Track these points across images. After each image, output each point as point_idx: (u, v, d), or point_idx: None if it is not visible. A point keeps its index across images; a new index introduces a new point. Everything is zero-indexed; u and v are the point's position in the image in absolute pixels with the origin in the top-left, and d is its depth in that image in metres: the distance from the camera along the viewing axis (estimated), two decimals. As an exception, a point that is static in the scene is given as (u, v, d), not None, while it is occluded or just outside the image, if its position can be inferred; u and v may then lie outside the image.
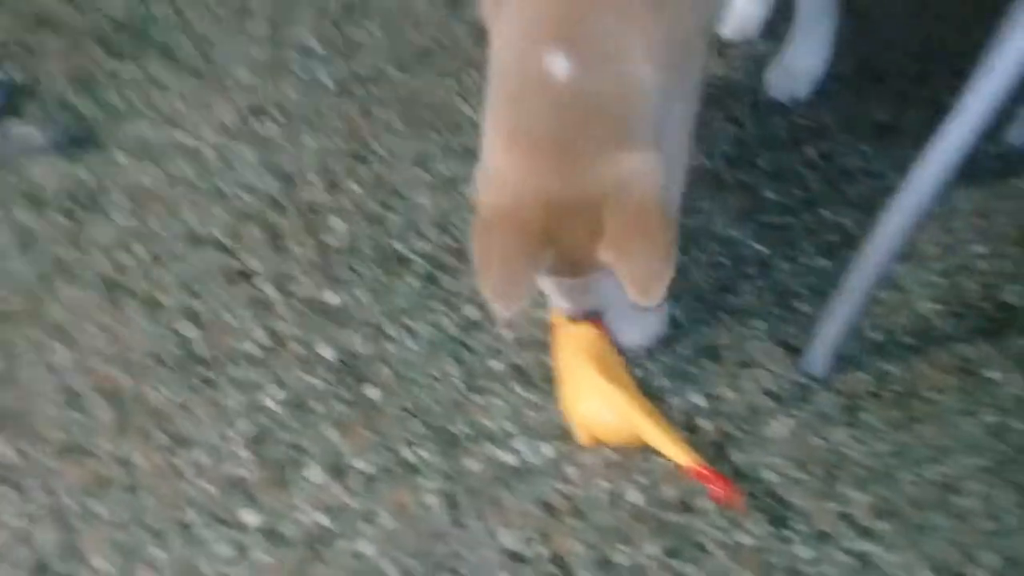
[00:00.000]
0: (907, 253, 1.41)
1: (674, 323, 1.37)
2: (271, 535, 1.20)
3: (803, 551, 1.17)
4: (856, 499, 1.20)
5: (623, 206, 1.02)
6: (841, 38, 1.61)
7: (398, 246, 1.47)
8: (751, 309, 1.39)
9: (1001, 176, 1.52)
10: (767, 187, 1.52)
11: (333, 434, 1.28)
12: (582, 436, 1.25)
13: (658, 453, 1.20)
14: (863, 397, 1.29)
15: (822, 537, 1.17)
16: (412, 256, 1.46)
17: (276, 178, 1.57)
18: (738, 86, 1.64)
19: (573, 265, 1.07)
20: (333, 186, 1.55)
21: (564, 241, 1.04)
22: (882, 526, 1.18)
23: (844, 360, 1.32)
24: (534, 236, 1.03)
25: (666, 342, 1.35)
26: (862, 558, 1.16)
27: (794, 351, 1.34)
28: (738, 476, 1.23)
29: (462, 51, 1.74)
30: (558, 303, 1.24)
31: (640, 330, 1.32)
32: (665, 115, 1.07)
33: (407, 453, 1.27)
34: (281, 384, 1.33)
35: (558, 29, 1.03)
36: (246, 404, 1.31)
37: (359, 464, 1.26)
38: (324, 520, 1.21)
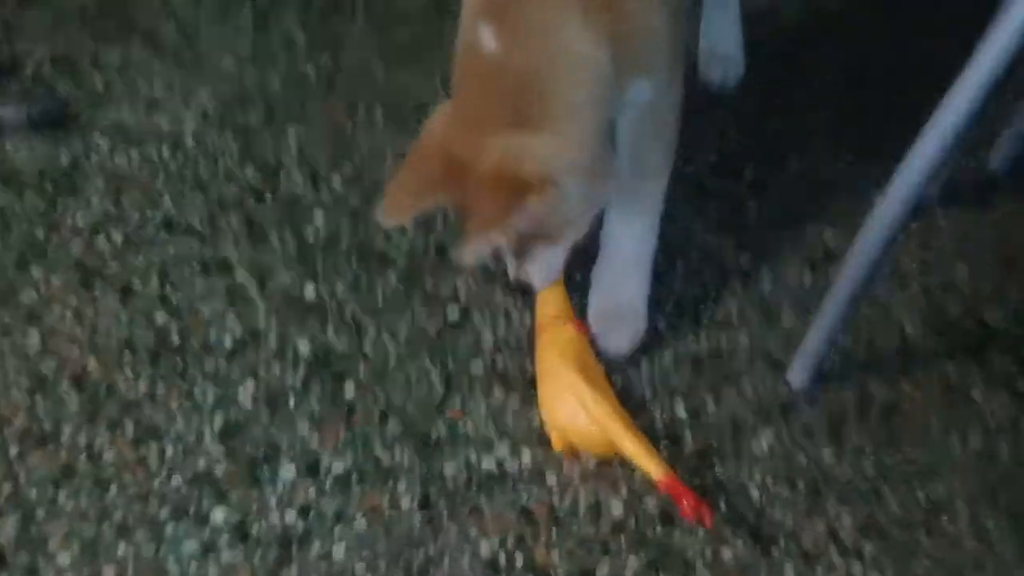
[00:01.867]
0: (889, 271, 1.35)
1: (656, 332, 1.29)
2: (240, 534, 1.10)
3: (788, 570, 1.08)
4: (842, 517, 1.12)
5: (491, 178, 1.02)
6: (826, 54, 1.55)
7: (379, 243, 1.38)
8: (734, 322, 1.31)
9: (983, 200, 1.45)
10: (750, 198, 1.44)
11: (308, 432, 1.18)
12: (557, 441, 1.16)
13: (633, 464, 1.11)
14: (847, 414, 1.22)
15: (808, 557, 1.10)
16: (393, 255, 1.37)
17: (257, 168, 1.46)
18: (722, 94, 1.55)
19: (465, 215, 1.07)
20: (315, 180, 1.45)
21: (454, 192, 1.06)
22: (868, 546, 1.10)
23: (827, 376, 1.24)
24: (432, 175, 1.07)
25: (647, 351, 1.27)
26: (848, 579, 1.08)
27: (777, 365, 1.26)
28: (721, 490, 1.14)
29: (447, 47, 1.65)
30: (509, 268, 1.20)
31: (621, 336, 1.25)
32: (615, 91, 1.07)
33: (383, 454, 1.17)
34: (256, 378, 1.23)
35: (492, 4, 1.04)
36: (219, 397, 1.21)
37: (333, 464, 1.16)
38: (296, 520, 1.11)
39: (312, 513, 1.12)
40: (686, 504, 1.07)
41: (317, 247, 1.37)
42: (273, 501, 1.12)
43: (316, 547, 1.09)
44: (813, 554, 1.10)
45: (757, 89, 1.57)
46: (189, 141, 1.49)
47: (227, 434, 1.18)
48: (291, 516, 1.11)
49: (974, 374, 1.25)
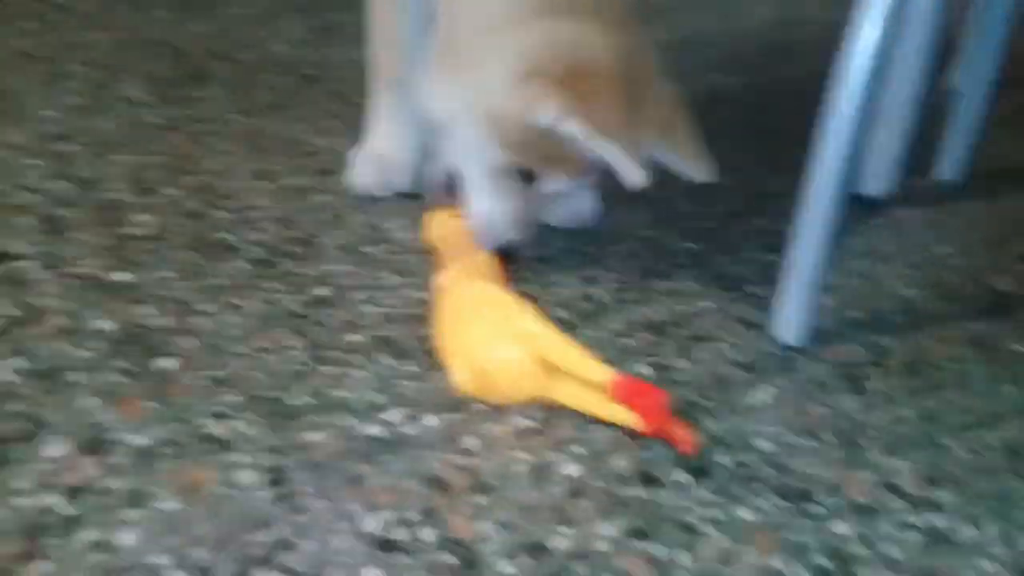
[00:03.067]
0: (868, 250, 1.09)
1: (597, 302, 0.96)
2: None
3: (842, 527, 0.69)
4: (896, 467, 0.76)
5: None
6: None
7: (224, 236, 1.04)
8: (691, 291, 0.99)
9: (938, 202, 1.24)
10: (684, 201, 1.18)
11: (94, 406, 0.76)
12: (462, 375, 0.80)
13: (580, 409, 0.76)
14: (863, 367, 0.89)
15: (862, 509, 0.71)
16: (243, 245, 1.02)
17: (71, 183, 1.12)
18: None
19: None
20: (145, 191, 1.12)
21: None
22: (944, 495, 0.73)
23: (824, 334, 0.92)
24: None
25: (590, 318, 0.93)
26: (932, 533, 0.70)
27: (754, 326, 0.94)
28: (719, 444, 0.77)
29: (319, 104, 1.41)
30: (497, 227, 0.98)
31: (570, 209, 1.07)
32: None
33: (212, 426, 0.75)
34: (28, 355, 0.82)
35: None
36: (-42, 373, 0.79)
37: (131, 438, 0.73)
38: (59, 503, 0.66)
39: (87, 495, 0.68)
40: (647, 411, 0.72)
41: (137, 240, 1.01)
42: (24, 484, 0.68)
43: (86, 535, 0.64)
44: (870, 507, 0.72)
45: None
46: (-16, 163, 1.16)
47: (-37, 410, 0.75)
48: (51, 499, 0.67)
49: (1006, 329, 0.95)
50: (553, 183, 0.97)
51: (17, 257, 0.97)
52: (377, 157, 1.17)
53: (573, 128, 0.88)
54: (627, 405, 0.74)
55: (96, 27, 1.66)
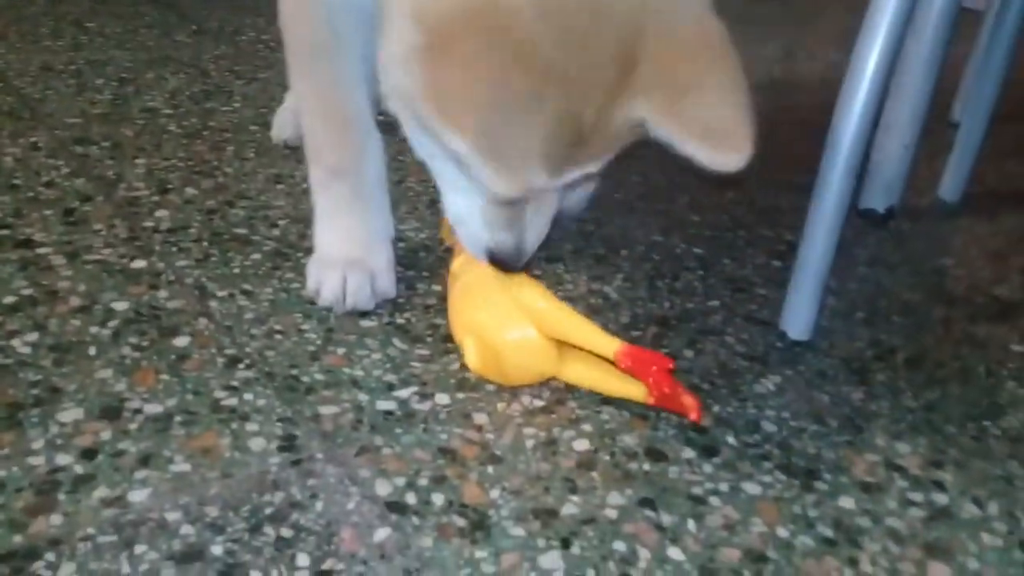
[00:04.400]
0: (872, 258, 1.10)
1: (605, 298, 0.96)
2: (-28, 478, 0.64)
3: (848, 502, 0.69)
4: (900, 450, 0.76)
5: None
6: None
7: (240, 231, 1.04)
8: (699, 291, 1.00)
9: (940, 219, 1.25)
10: (692, 214, 1.19)
11: (109, 377, 0.77)
12: (471, 354, 0.80)
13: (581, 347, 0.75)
14: (867, 360, 0.89)
15: (868, 487, 0.71)
16: (258, 239, 1.03)
17: (90, 180, 1.14)
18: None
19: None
20: (164, 190, 1.13)
21: None
22: (947, 476, 0.73)
23: (829, 332, 0.93)
24: None
25: (599, 312, 0.93)
26: (934, 509, 0.69)
27: (761, 322, 0.94)
28: (725, 426, 0.77)
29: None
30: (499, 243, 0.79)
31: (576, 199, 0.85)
32: None
33: (225, 398, 0.76)
34: (45, 331, 0.82)
35: None
36: (-21, 344, 0.79)
37: (145, 407, 0.74)
38: (72, 463, 0.67)
39: (101, 456, 0.68)
40: (653, 377, 0.72)
41: (157, 232, 1.02)
42: (39, 445, 0.68)
43: (99, 492, 0.64)
44: (874, 484, 0.72)
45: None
46: (7, 162, 1.17)
47: (-18, 378, 0.75)
48: (65, 459, 0.67)
49: (1007, 331, 0.95)
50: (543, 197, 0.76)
51: (38, 244, 0.98)
52: (340, 263, 0.90)
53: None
54: (634, 373, 0.74)
55: (120, 47, 1.69)
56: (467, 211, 0.79)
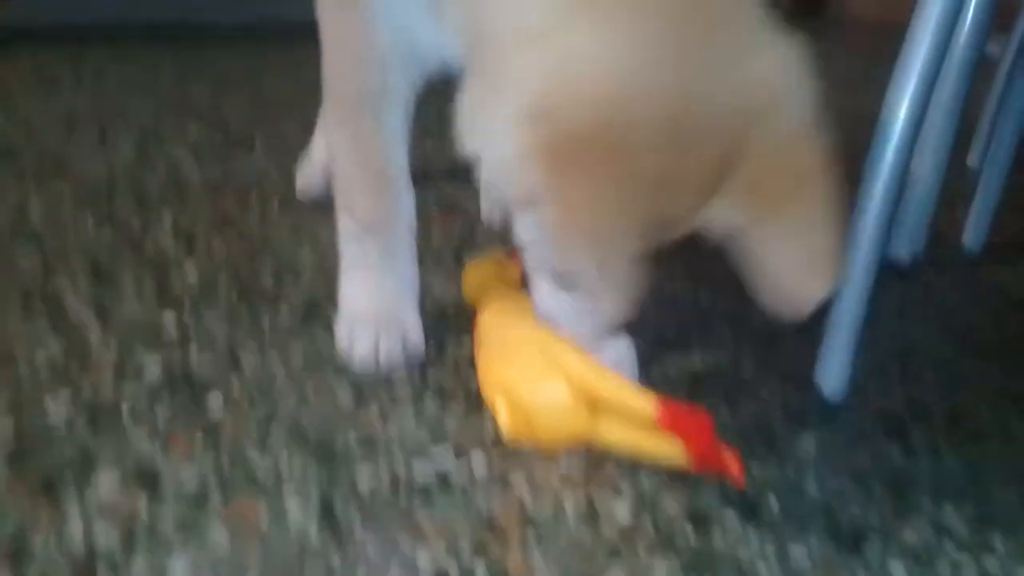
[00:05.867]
0: (901, 310, 1.09)
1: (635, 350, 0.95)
2: (13, 551, 0.62)
3: (898, 568, 0.68)
4: (947, 513, 0.74)
5: None
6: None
7: (268, 285, 1.04)
8: (730, 345, 0.98)
9: (965, 268, 1.24)
10: (718, 265, 1.18)
11: (144, 441, 0.75)
12: (504, 414, 0.78)
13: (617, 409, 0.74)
14: (904, 418, 0.87)
15: (920, 553, 0.69)
16: (286, 294, 1.02)
17: (115, 232, 1.13)
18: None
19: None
20: (190, 244, 1.13)
21: None
22: (996, 540, 0.71)
23: (863, 389, 0.91)
24: None
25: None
26: (987, 574, 0.68)
27: (794, 379, 0.92)
28: (768, 488, 0.75)
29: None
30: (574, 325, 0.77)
31: (615, 365, 0.79)
32: None
33: (260, 462, 0.74)
34: (75, 392, 0.81)
35: None
36: (11, 404, 0.78)
37: (181, 472, 0.72)
38: (109, 533, 0.65)
39: (138, 525, 0.66)
40: (694, 435, 0.71)
41: (183, 288, 1.01)
42: (74, 514, 0.67)
43: (137, 566, 0.63)
44: (922, 549, 0.70)
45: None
46: (34, 216, 1.17)
47: (16, 443, 0.74)
48: (101, 529, 0.66)
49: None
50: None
51: (68, 302, 0.97)
52: (371, 321, 0.89)
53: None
54: (673, 431, 0.72)
55: (139, 94, 1.69)
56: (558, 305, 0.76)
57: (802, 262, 0.67)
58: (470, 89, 0.69)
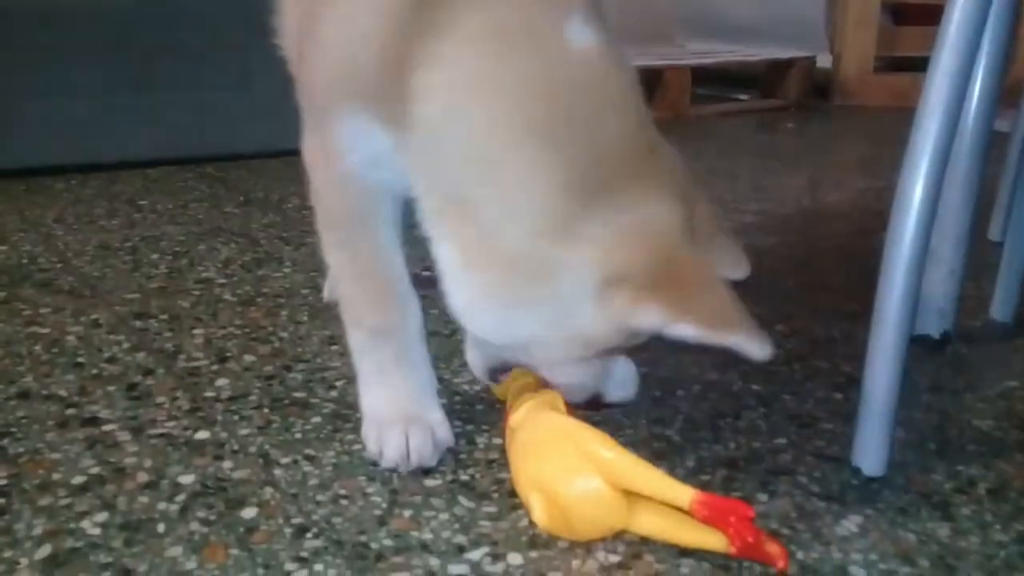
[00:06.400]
0: (935, 385, 1.08)
1: (668, 442, 0.94)
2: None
3: (951, 649, 0.65)
4: (998, 588, 0.71)
5: None
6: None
7: (299, 395, 1.04)
8: (763, 429, 0.97)
9: (996, 340, 1.22)
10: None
11: (180, 555, 0.75)
12: (538, 509, 0.78)
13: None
14: (947, 493, 0.85)
15: (971, 633, 0.67)
16: (316, 401, 1.03)
17: (150, 353, 1.15)
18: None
19: None
20: (223, 359, 1.14)
21: None
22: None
23: (903, 465, 0.90)
24: None
25: (663, 457, 0.91)
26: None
27: (833, 459, 0.91)
28: (813, 574, 0.73)
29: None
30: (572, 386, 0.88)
31: (621, 384, 0.92)
32: None
33: (295, 570, 0.74)
34: (113, 510, 0.81)
35: None
36: (51, 529, 0.78)
37: (218, 584, 0.72)
38: (145, 649, 0.64)
39: (175, 640, 0.66)
40: (734, 527, 0.69)
41: (216, 401, 1.02)
42: (112, 631, 0.66)
43: None
44: (982, 630, 0.67)
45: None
46: (70, 340, 1.19)
47: (54, 563, 0.74)
48: (139, 645, 0.65)
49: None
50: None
51: (103, 422, 0.98)
52: (399, 421, 0.90)
53: (688, 331, 0.73)
54: (713, 523, 0.71)
55: (173, 221, 1.74)
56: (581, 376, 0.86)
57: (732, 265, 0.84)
58: (483, 294, 0.78)
